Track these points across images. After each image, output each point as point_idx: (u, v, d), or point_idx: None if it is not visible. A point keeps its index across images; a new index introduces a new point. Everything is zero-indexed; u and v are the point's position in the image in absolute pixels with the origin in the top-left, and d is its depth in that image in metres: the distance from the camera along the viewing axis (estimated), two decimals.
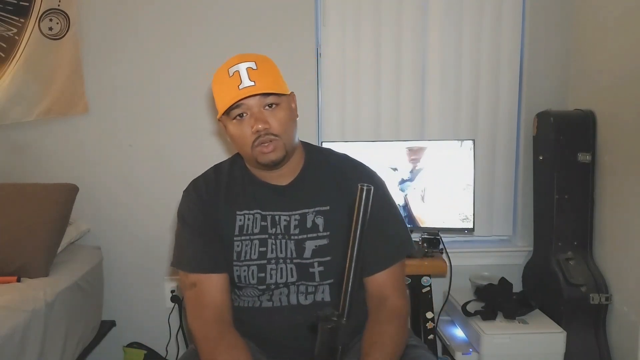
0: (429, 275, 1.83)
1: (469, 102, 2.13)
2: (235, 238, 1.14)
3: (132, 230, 2.15)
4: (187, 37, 2.07)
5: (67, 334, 1.69)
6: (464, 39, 2.10)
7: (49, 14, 2.00)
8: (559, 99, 2.09)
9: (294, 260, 1.12)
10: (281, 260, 1.12)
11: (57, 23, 2.01)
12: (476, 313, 1.86)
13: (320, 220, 1.13)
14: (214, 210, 1.15)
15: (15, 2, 1.99)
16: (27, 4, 1.99)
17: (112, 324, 2.13)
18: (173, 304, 2.12)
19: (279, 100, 1.08)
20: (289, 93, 1.12)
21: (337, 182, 1.16)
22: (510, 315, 1.83)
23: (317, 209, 1.14)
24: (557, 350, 1.77)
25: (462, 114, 2.13)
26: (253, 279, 1.12)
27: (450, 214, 1.90)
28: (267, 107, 1.07)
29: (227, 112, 1.06)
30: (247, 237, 1.14)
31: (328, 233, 1.12)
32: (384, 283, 1.12)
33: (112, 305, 2.15)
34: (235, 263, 1.13)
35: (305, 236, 1.12)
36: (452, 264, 1.89)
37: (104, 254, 2.11)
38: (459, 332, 1.98)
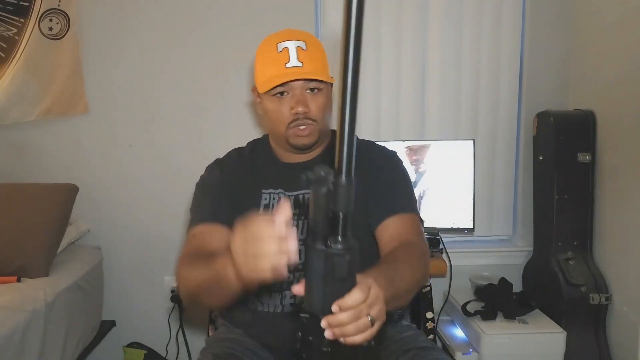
0: (429, 275, 1.83)
1: (469, 102, 2.12)
2: None
3: (132, 230, 2.15)
4: (187, 37, 2.06)
5: (67, 334, 1.69)
6: (464, 39, 2.10)
7: (49, 14, 2.00)
8: (559, 99, 2.09)
9: None
10: (300, 242, 1.10)
11: (57, 23, 2.01)
12: (476, 313, 1.86)
13: None
14: (237, 186, 1.13)
15: (15, 2, 1.99)
16: (27, 4, 1.99)
17: (112, 324, 2.13)
18: (173, 304, 2.12)
19: (322, 85, 1.07)
20: (333, 81, 1.10)
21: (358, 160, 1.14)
22: (510, 315, 1.83)
23: None
24: (557, 350, 1.77)
25: (462, 114, 2.13)
26: None
27: (450, 214, 1.90)
28: (309, 91, 1.06)
29: None
30: None
31: None
32: (398, 228, 1.04)
33: (112, 305, 2.15)
34: None
35: None
36: (452, 264, 1.89)
37: (104, 254, 2.11)
38: (459, 332, 1.98)
